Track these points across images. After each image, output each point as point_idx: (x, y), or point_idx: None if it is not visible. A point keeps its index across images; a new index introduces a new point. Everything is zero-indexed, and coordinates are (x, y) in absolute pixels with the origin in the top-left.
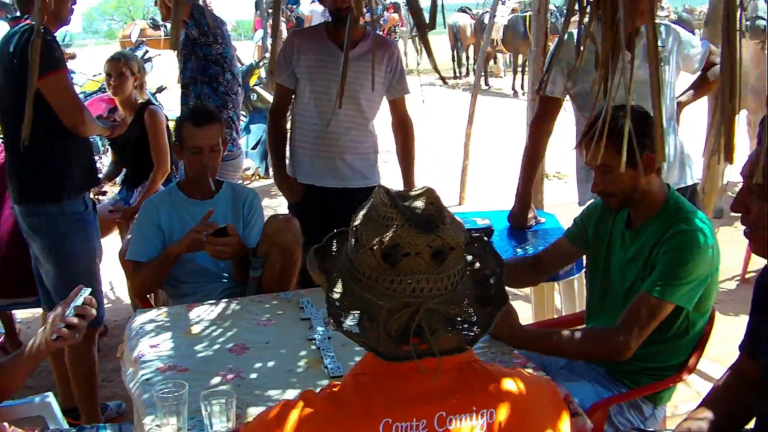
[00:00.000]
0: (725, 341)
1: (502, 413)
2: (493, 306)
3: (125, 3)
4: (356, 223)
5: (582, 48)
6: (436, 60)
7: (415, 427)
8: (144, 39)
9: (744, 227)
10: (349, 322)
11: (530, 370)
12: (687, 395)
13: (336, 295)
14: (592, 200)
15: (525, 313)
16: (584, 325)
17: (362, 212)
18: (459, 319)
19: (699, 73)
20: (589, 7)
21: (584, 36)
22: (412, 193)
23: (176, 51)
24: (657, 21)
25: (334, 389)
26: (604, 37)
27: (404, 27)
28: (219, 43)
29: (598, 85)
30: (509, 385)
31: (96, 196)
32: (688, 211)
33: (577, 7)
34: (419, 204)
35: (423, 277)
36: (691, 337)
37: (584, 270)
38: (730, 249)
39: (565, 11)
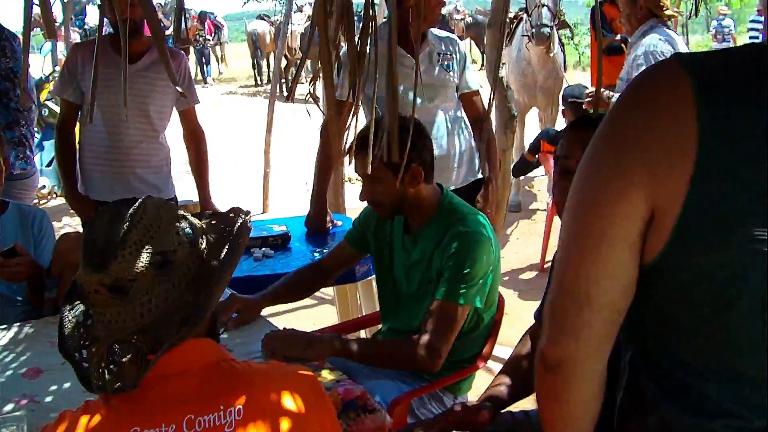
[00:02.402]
0: (525, 329)
1: (251, 409)
2: (190, 326)
3: None
4: None
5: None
6: (237, 68)
7: None
8: None
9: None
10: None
11: (326, 371)
12: None
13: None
14: None
15: (331, 316)
16: (380, 326)
17: None
18: (148, 345)
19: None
20: (333, 18)
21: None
22: (111, 219)
23: None
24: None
25: (88, 405)
26: (348, 45)
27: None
28: (8, 57)
29: (348, 94)
30: (258, 381)
31: None
32: (462, 212)
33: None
34: (104, 231)
35: (114, 309)
36: (483, 329)
37: None
38: (530, 241)
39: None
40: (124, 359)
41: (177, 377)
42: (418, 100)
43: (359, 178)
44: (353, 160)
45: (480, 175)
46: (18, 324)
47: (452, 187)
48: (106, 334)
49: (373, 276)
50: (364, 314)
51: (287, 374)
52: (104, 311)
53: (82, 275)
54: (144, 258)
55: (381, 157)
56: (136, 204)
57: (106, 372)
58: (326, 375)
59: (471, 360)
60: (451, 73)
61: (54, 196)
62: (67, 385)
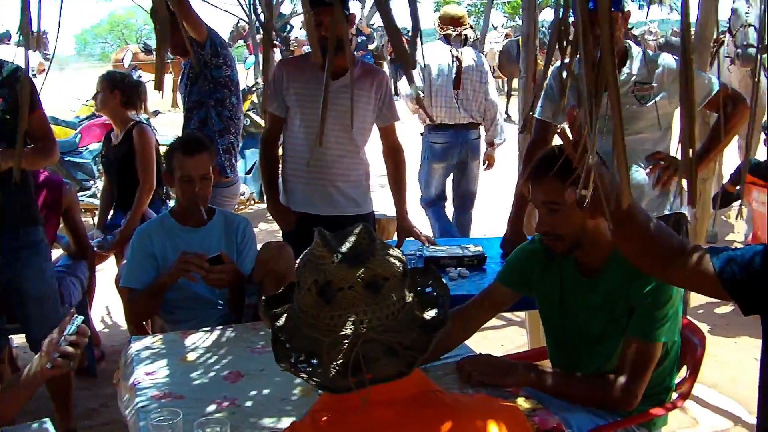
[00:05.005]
0: (720, 366)
1: None
2: (436, 330)
3: (118, 26)
4: (297, 267)
5: (566, 86)
6: None
7: None
8: (136, 63)
9: None
10: (299, 361)
11: (522, 399)
12: (684, 421)
13: (284, 337)
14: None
15: (520, 339)
16: (549, 364)
17: (302, 256)
18: (399, 346)
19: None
20: (569, 47)
21: (566, 76)
22: (345, 232)
23: (178, 74)
24: (651, 54)
25: (294, 427)
26: (587, 76)
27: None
28: (228, 66)
29: (582, 123)
30: (467, 414)
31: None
32: None
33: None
34: (351, 241)
35: (360, 309)
36: (672, 358)
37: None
38: None
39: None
40: (377, 355)
41: (383, 405)
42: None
43: None
44: (530, 187)
45: (666, 211)
46: (220, 327)
47: None
48: (353, 333)
49: None
50: (527, 350)
51: (493, 406)
52: (350, 311)
53: (337, 272)
54: (395, 261)
55: (562, 184)
56: (359, 227)
57: (360, 368)
58: (522, 403)
59: (664, 391)
60: (647, 105)
61: (252, 202)
62: (266, 391)
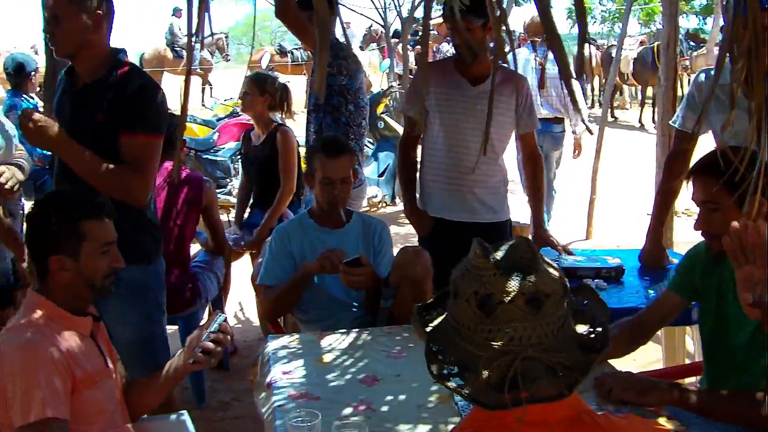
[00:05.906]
0: None
1: None
2: (596, 352)
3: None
4: (453, 276)
5: (735, 96)
6: None
7: None
8: (273, 65)
9: None
10: (451, 373)
11: (663, 419)
12: None
13: (436, 348)
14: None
15: (655, 354)
16: (700, 378)
17: (459, 266)
18: (559, 366)
19: None
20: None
21: (736, 85)
22: (506, 244)
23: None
24: None
25: None
26: (757, 87)
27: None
28: (344, 75)
29: (752, 135)
30: None
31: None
32: None
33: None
34: (512, 253)
35: (520, 325)
36: None
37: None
38: None
39: (692, 43)
40: (536, 374)
41: (538, 425)
42: None
43: (685, 211)
44: (691, 187)
45: None
46: (356, 330)
47: None
48: (511, 349)
49: None
50: (695, 361)
51: (648, 429)
52: (509, 326)
53: (498, 284)
54: (556, 277)
55: (723, 183)
56: (519, 239)
57: (516, 385)
58: (664, 423)
59: None
60: None
61: (384, 205)
62: (402, 396)
